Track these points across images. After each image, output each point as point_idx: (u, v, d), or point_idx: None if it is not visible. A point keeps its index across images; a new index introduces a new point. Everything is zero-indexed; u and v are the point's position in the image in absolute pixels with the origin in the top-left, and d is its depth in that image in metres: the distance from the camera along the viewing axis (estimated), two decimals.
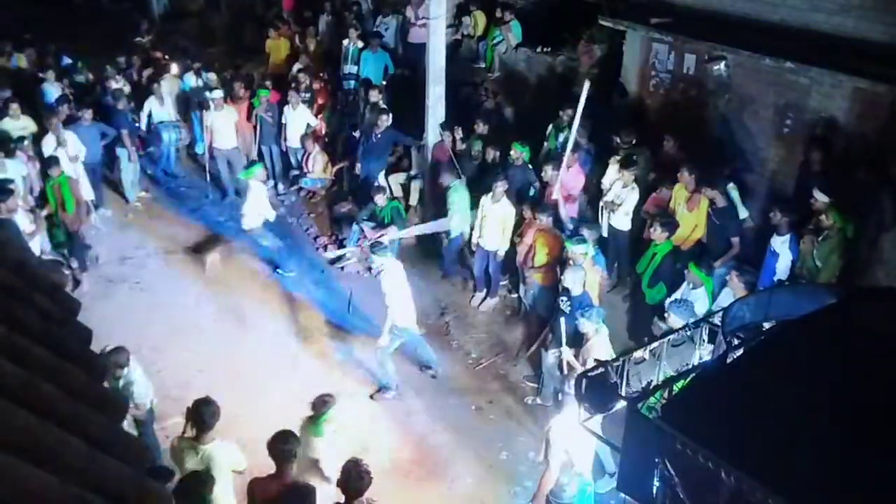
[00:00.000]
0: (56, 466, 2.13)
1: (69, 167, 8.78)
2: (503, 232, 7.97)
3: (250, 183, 8.84)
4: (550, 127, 9.00)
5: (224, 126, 10.26)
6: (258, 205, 8.81)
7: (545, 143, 8.79)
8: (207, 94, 10.40)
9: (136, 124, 10.66)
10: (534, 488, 6.27)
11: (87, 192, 9.07)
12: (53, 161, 8.37)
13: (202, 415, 4.79)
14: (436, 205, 9.12)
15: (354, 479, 4.35)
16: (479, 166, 8.87)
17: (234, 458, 4.88)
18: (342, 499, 4.43)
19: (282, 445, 4.63)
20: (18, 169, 8.49)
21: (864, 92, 6.84)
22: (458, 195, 8.43)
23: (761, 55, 7.36)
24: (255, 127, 10.60)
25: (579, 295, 6.47)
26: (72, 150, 8.99)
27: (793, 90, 7.41)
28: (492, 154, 8.83)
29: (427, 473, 6.27)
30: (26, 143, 8.89)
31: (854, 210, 6.40)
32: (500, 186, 7.89)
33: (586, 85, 7.65)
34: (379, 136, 9.62)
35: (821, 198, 6.43)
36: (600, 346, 5.97)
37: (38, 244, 7.60)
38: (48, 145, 8.90)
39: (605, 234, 7.98)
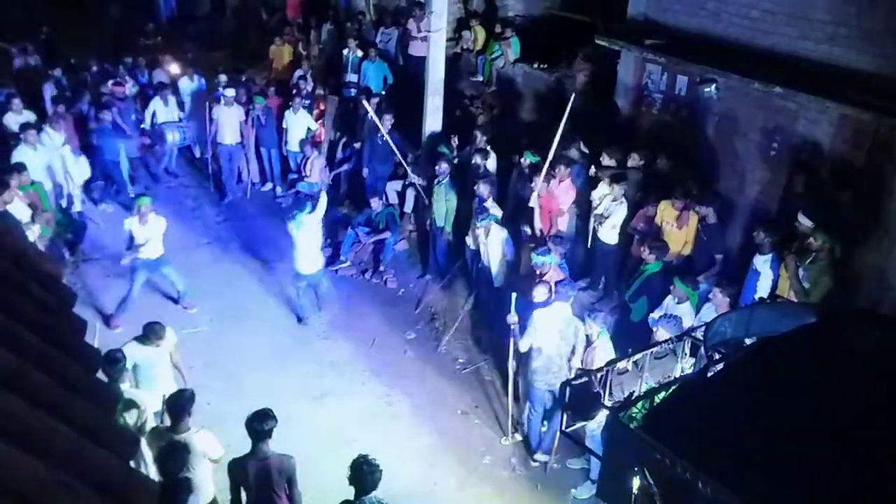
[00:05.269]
0: (43, 453, 2.18)
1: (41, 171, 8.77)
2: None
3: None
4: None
5: (230, 122, 10.54)
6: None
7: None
8: (221, 89, 10.69)
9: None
10: (515, 489, 6.44)
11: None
12: (23, 168, 7.94)
13: (177, 405, 4.95)
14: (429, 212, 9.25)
15: (367, 473, 4.38)
16: (473, 174, 9.00)
17: (209, 447, 5.01)
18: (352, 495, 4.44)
19: (257, 424, 4.79)
20: (45, 156, 8.66)
21: (849, 118, 6.99)
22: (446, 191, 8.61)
23: (751, 79, 7.52)
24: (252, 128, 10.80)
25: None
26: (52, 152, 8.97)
27: (780, 114, 7.57)
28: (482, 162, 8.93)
29: (411, 476, 6.34)
30: None
31: (837, 231, 6.50)
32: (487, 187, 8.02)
33: (572, 97, 7.87)
34: (382, 139, 9.59)
35: (805, 222, 6.51)
36: (603, 350, 6.10)
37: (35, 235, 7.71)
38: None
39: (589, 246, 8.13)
